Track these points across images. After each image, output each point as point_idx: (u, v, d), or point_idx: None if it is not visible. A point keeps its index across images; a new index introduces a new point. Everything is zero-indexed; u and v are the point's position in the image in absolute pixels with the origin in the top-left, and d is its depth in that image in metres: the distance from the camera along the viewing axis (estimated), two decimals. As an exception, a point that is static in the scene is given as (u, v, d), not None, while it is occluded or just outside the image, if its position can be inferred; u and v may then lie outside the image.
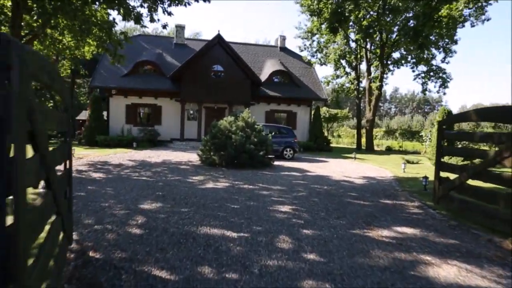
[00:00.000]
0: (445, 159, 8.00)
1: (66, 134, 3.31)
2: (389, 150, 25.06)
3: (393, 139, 27.25)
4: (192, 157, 13.69)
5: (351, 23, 20.15)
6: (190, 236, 3.96)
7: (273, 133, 12.47)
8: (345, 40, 22.95)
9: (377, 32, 20.20)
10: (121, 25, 42.80)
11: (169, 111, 20.54)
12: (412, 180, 9.57)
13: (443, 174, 5.84)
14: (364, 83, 24.30)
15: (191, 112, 20.04)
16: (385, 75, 21.48)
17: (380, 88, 21.09)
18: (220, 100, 20.03)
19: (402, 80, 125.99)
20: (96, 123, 18.08)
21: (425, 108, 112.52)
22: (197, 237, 3.91)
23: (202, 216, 4.80)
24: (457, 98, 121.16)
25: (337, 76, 26.93)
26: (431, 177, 7.04)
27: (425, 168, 13.01)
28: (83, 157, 12.76)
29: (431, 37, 20.18)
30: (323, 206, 5.73)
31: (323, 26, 19.86)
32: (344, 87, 26.80)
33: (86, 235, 3.89)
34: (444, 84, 20.85)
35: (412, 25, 16.68)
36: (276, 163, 12.16)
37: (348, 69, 25.88)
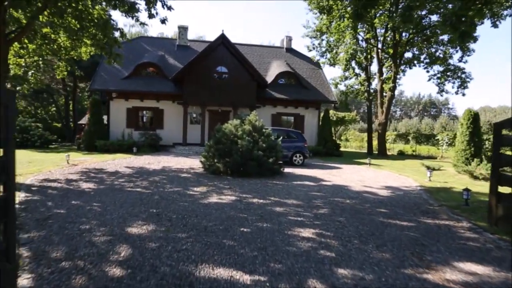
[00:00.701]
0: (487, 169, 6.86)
1: (5, 140, 2.28)
2: (401, 155, 23.84)
3: (405, 142, 26.01)
4: (195, 163, 12.70)
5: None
6: (187, 280, 2.92)
7: (281, 138, 11.41)
8: (355, 40, 21.89)
9: (390, 31, 19.16)
10: (125, 29, 42.38)
11: (171, 114, 19.63)
12: (443, 191, 8.43)
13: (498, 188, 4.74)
14: (375, 84, 23.20)
15: (194, 115, 19.11)
16: (398, 76, 20.33)
17: (393, 89, 19.96)
18: (224, 102, 19.08)
19: (407, 83, 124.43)
20: (95, 127, 17.21)
21: (431, 111, 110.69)
22: (195, 283, 2.87)
23: (203, 247, 3.76)
24: (463, 101, 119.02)
25: (346, 78, 25.84)
26: (461, 187, 5.91)
27: (449, 176, 11.84)
28: (78, 163, 11.84)
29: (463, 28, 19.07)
30: (354, 229, 4.66)
31: (333, 24, 18.85)
32: (353, 89, 25.68)
33: (46, 279, 2.87)
34: (463, 84, 19.62)
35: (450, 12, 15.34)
36: (286, 170, 11.09)
37: (357, 70, 24.79)
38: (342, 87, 25.11)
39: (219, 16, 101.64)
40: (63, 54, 12.53)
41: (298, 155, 13.48)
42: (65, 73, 13.71)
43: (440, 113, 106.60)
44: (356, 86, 25.66)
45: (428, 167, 13.68)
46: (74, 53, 12.88)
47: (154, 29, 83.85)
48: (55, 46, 12.08)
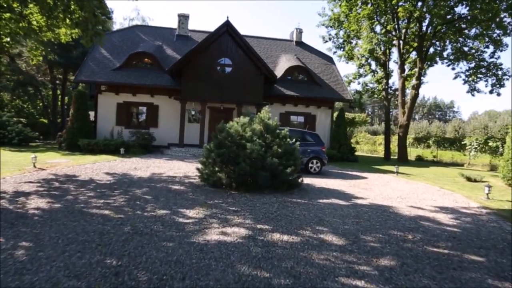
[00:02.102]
0: None
1: None
2: (420, 161, 21.67)
3: (425, 147, 23.84)
4: (191, 169, 10.55)
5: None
6: None
7: (294, 140, 9.14)
8: (373, 33, 19.68)
9: (415, 21, 17.02)
10: (125, 24, 40.13)
11: (167, 111, 17.49)
12: (524, 217, 6.27)
13: None
14: (391, 82, 21.05)
15: (193, 112, 16.95)
16: (422, 72, 18.14)
17: (417, 87, 17.78)
18: (227, 99, 16.92)
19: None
20: (79, 124, 15.04)
21: (436, 114, 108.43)
22: None
23: None
24: (468, 105, 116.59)
25: (360, 75, 23.71)
26: None
27: (501, 190, 9.66)
28: (49, 167, 9.70)
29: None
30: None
31: (352, 13, 16.69)
32: (368, 87, 23.53)
33: None
34: (499, 82, 17.42)
35: None
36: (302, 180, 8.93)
37: (373, 67, 22.62)
38: (355, 86, 22.97)
39: (224, 7, 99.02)
40: (39, 34, 10.36)
41: (315, 161, 11.32)
42: (40, 58, 11.54)
43: (445, 116, 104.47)
44: (371, 85, 23.53)
45: (469, 178, 11.53)
46: (49, 34, 10.73)
47: (156, 23, 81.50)
48: (25, 24, 9.92)
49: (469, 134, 44.59)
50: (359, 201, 7.01)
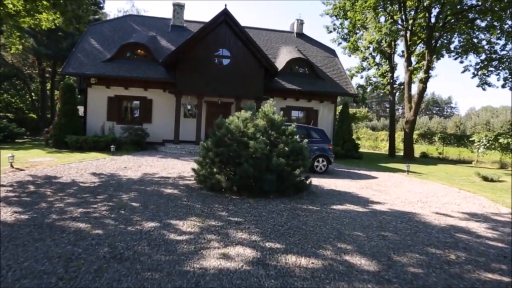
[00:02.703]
0: None
1: None
2: (425, 157, 20.95)
3: (429, 143, 23.08)
4: (187, 168, 9.67)
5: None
6: None
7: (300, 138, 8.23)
8: (379, 24, 18.70)
9: (424, 11, 16.10)
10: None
11: (161, 105, 16.51)
12: None
13: None
14: (399, 76, 20.17)
15: (189, 107, 15.99)
16: (431, 65, 17.26)
17: (425, 80, 16.91)
18: (225, 93, 15.96)
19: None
20: (66, 119, 14.03)
21: (434, 109, 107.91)
22: None
23: None
24: (465, 101, 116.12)
25: (363, 69, 22.83)
26: None
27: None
28: (30, 166, 8.76)
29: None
30: None
31: (358, 1, 15.72)
32: (371, 81, 22.66)
33: None
34: (513, 75, 16.62)
35: None
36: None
37: (377, 60, 21.73)
38: (358, 80, 22.11)
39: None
40: (14, 19, 9.34)
41: (321, 159, 10.47)
42: (19, 46, 10.53)
43: (442, 112, 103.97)
44: (374, 79, 22.66)
45: (485, 178, 10.76)
46: (29, 20, 9.70)
47: (151, 15, 79.57)
48: (1, 8, 8.89)
49: (470, 130, 44.01)
50: (377, 207, 6.17)
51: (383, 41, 19.28)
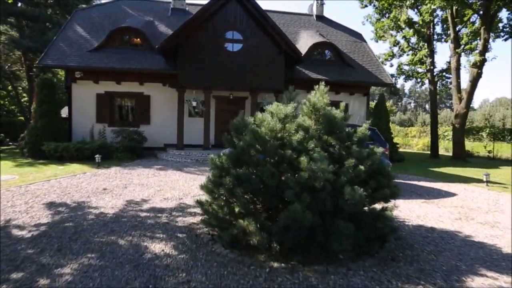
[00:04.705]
0: None
1: None
2: (471, 157, 17.74)
3: (473, 139, 19.84)
4: (192, 188, 6.92)
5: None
6: None
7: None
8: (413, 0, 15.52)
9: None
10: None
11: (161, 103, 13.78)
12: None
13: None
14: (436, 63, 16.94)
15: (194, 104, 13.21)
16: (488, 45, 14.03)
17: (481, 64, 13.73)
18: (238, 85, 13.12)
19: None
20: (44, 122, 11.42)
21: (447, 102, 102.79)
22: None
23: None
24: (476, 92, 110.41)
25: (393, 55, 19.70)
26: None
27: None
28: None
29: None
30: None
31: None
32: (403, 70, 19.52)
33: None
34: None
35: None
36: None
37: (410, 44, 18.54)
38: (387, 68, 18.99)
39: None
40: None
41: (376, 171, 7.51)
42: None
43: (452, 105, 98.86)
44: (405, 67, 19.50)
45: None
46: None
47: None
48: None
49: (499, 123, 40.13)
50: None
51: (419, 20, 16.11)
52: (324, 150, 3.89)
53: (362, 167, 3.66)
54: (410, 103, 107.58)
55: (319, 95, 4.42)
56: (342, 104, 4.51)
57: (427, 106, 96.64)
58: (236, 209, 3.72)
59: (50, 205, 5.44)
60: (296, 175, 3.41)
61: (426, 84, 19.34)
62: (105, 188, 6.81)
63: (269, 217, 3.56)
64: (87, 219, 4.75)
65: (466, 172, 11.30)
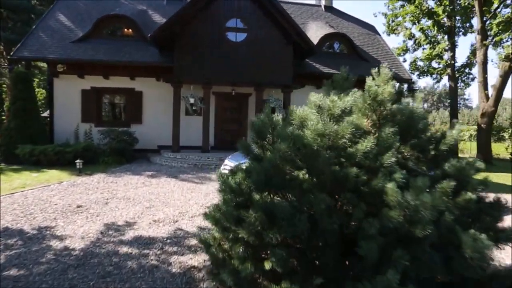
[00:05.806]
0: None
1: None
2: (495, 160, 16.43)
3: (494, 141, 18.59)
4: (191, 204, 5.49)
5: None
6: None
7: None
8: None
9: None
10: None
11: (155, 100, 12.29)
12: None
13: None
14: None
15: (192, 101, 11.70)
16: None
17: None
18: (241, 80, 11.66)
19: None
20: (18, 121, 9.88)
21: (446, 102, 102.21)
22: None
23: None
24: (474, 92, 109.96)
25: (406, 50, 18.37)
26: None
27: None
28: None
29: None
30: None
31: None
32: (418, 65, 18.17)
33: None
34: None
35: None
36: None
37: (425, 38, 17.19)
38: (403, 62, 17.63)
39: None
40: None
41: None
42: None
43: (457, 104, 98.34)
44: (420, 63, 18.15)
45: None
46: None
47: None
48: None
49: (506, 123, 39.02)
50: None
51: (439, 11, 14.76)
52: (401, 167, 2.45)
53: (471, 194, 2.24)
54: (408, 103, 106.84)
55: (381, 82, 2.98)
56: (420, 95, 3.10)
57: (426, 105, 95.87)
58: (267, 265, 2.26)
59: (5, 231, 3.98)
60: (381, 213, 1.97)
61: (440, 81, 18.01)
62: (80, 206, 5.34)
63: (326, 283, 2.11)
64: (41, 261, 3.28)
65: (500, 178, 9.95)
